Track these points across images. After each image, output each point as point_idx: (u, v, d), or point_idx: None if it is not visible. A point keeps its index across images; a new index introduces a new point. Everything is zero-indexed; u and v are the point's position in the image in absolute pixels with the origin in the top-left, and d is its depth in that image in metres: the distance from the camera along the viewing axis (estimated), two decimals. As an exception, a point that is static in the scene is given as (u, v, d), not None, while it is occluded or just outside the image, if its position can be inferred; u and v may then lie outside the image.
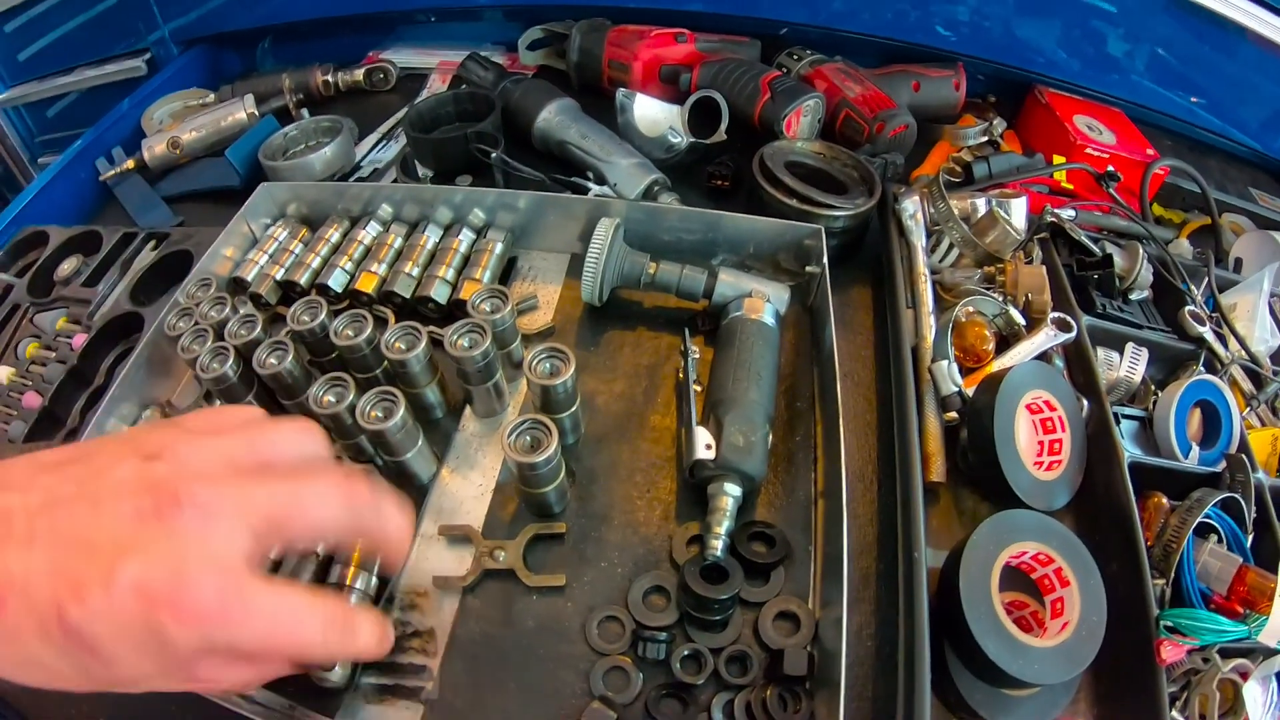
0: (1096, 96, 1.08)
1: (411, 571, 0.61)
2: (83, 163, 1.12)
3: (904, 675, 0.54)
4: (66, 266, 0.96)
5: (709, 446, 0.61)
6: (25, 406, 0.84)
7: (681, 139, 0.85)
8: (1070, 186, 0.98)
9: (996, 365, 0.78)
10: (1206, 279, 0.86)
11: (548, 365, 0.61)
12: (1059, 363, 0.78)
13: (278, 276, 0.80)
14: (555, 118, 0.88)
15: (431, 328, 0.65)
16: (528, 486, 0.59)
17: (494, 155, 0.80)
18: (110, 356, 0.85)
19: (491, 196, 0.79)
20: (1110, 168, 0.97)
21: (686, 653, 0.57)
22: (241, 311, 0.73)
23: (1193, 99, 1.08)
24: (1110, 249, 0.85)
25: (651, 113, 0.89)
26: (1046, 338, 0.80)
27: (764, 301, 0.71)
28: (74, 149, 1.12)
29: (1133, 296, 0.85)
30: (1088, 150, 1.00)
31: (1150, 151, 0.99)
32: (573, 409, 0.63)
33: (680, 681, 0.56)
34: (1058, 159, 0.99)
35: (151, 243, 0.94)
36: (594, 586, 0.60)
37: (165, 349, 0.77)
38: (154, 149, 1.08)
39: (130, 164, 1.10)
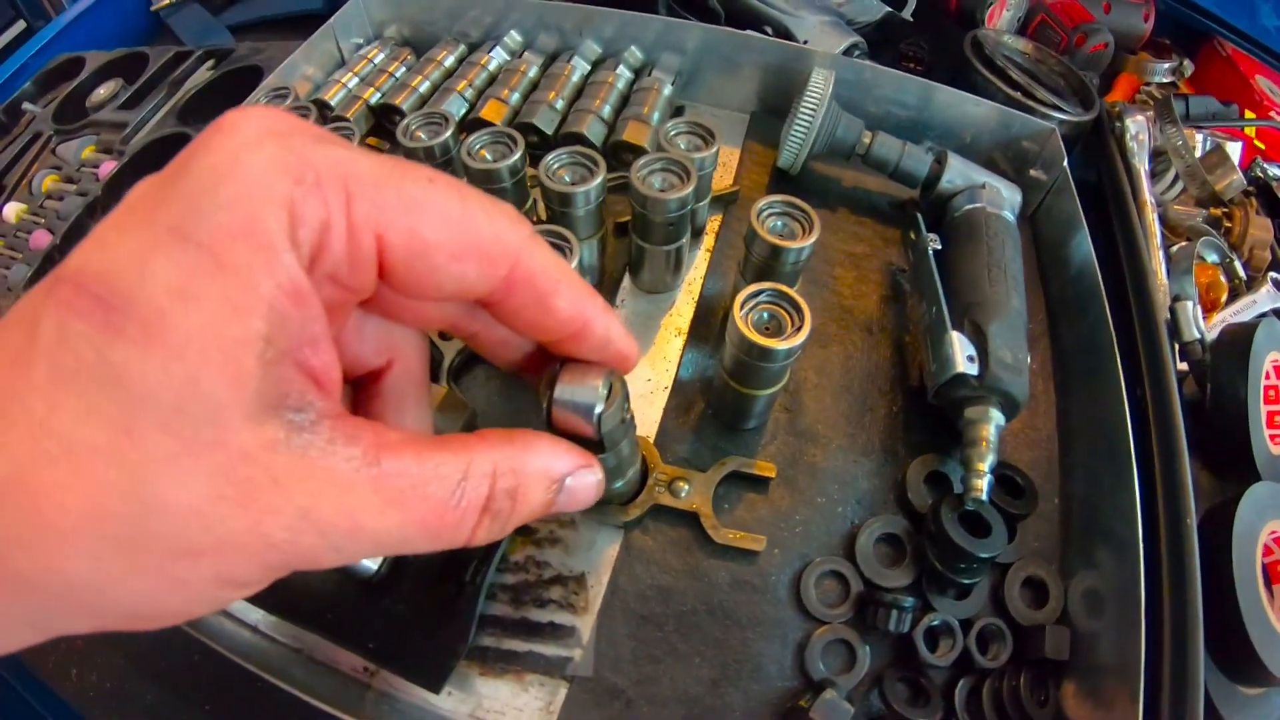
0: (1274, 63, 0.89)
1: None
2: (131, -12, 0.84)
3: (1171, 663, 0.37)
4: (103, 91, 0.71)
5: (971, 359, 0.40)
6: (31, 247, 0.60)
7: (878, 7, 0.62)
8: (1261, 146, 0.79)
9: (1216, 319, 0.60)
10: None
11: (780, 223, 0.39)
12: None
13: (371, 101, 0.56)
14: (725, -38, 0.64)
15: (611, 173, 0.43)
16: (743, 384, 0.37)
17: (662, -16, 0.57)
18: (144, 188, 0.61)
19: (656, 28, 0.55)
20: (1303, 131, 0.78)
21: (935, 623, 0.38)
22: (332, 126, 0.49)
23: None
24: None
25: (829, -19, 0.66)
26: (1268, 298, 0.61)
27: (1002, 198, 0.50)
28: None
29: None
30: (1272, 114, 0.80)
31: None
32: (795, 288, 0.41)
33: (922, 661, 0.37)
34: (1248, 114, 0.79)
35: (210, 62, 0.69)
36: (808, 529, 0.39)
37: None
38: (217, -27, 0.81)
39: (190, -10, 0.83)
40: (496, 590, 0.38)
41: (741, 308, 0.35)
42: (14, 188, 0.66)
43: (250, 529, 0.15)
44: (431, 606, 0.37)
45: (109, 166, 0.63)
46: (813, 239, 0.38)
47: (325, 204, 0.16)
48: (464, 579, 0.37)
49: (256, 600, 0.37)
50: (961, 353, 0.41)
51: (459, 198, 0.18)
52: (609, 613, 0.37)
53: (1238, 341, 0.52)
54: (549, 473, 0.20)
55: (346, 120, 0.54)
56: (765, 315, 0.35)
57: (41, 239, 0.60)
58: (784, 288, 0.35)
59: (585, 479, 0.21)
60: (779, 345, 0.34)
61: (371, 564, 0.36)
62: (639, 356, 0.23)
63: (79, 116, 0.69)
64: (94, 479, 0.14)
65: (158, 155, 0.61)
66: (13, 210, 0.63)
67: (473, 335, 0.23)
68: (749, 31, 0.58)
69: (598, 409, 0.22)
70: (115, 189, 0.61)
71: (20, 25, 1.15)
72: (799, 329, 0.34)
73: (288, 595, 0.37)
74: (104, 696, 0.37)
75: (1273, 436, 0.52)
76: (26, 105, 0.73)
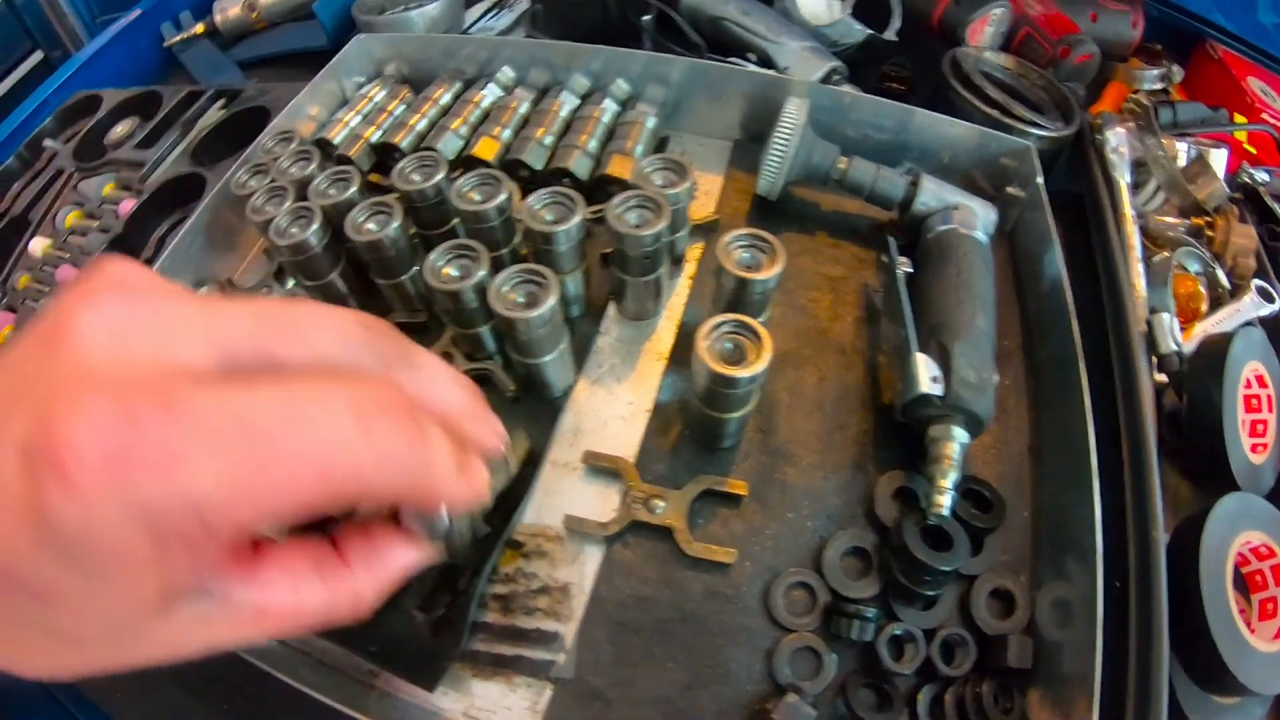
0: (1267, 63, 0.88)
1: (540, 508, 0.43)
2: (145, 27, 0.90)
3: (1136, 673, 0.39)
4: (120, 129, 0.76)
5: (936, 380, 0.43)
6: (58, 282, 0.64)
7: (859, 30, 0.65)
8: (1253, 150, 0.79)
9: (1198, 328, 0.61)
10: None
11: (747, 255, 0.42)
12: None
13: (373, 139, 0.59)
14: (708, -9, 0.67)
15: (594, 206, 0.46)
16: (713, 408, 0.40)
17: (645, 19, 0.60)
18: (164, 225, 0.65)
19: (641, 62, 0.58)
20: (1300, 135, 0.78)
21: (898, 633, 0.40)
22: (332, 168, 0.53)
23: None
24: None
25: (811, 2, 0.69)
26: (1252, 306, 0.62)
27: (975, 218, 0.52)
28: (136, 9, 0.90)
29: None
30: (1264, 115, 0.81)
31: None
32: (764, 317, 0.44)
33: (886, 669, 0.39)
34: (1239, 118, 0.80)
35: (220, 101, 0.73)
36: (778, 542, 0.42)
37: (230, 216, 0.57)
38: (227, 12, 0.86)
39: (199, 28, 0.88)
40: (489, 599, 0.41)
41: (705, 338, 0.37)
42: (39, 223, 0.71)
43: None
44: (428, 614, 0.40)
45: (129, 204, 0.67)
46: (776, 270, 0.41)
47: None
48: (457, 588, 0.41)
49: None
50: (926, 373, 0.43)
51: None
52: (590, 620, 0.40)
53: (1214, 352, 0.53)
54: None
55: (350, 161, 0.58)
56: (729, 345, 0.38)
57: (67, 274, 0.65)
58: (745, 318, 0.38)
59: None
60: (740, 373, 0.36)
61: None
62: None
63: (98, 154, 0.73)
64: None
65: (173, 194, 0.65)
66: (39, 245, 0.68)
67: None
68: (731, 61, 0.61)
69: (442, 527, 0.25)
70: (138, 225, 0.65)
71: (38, 56, 1.20)
72: (760, 357, 0.37)
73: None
74: (129, 696, 0.41)
75: (1254, 446, 0.53)
76: (48, 142, 0.78)
